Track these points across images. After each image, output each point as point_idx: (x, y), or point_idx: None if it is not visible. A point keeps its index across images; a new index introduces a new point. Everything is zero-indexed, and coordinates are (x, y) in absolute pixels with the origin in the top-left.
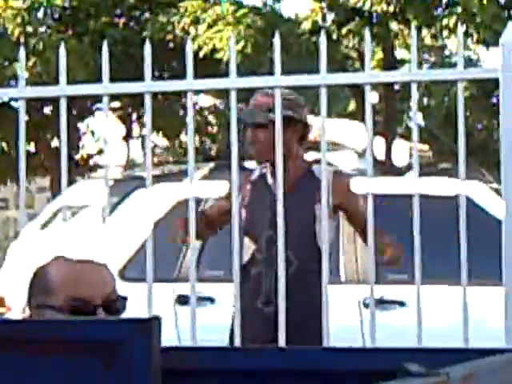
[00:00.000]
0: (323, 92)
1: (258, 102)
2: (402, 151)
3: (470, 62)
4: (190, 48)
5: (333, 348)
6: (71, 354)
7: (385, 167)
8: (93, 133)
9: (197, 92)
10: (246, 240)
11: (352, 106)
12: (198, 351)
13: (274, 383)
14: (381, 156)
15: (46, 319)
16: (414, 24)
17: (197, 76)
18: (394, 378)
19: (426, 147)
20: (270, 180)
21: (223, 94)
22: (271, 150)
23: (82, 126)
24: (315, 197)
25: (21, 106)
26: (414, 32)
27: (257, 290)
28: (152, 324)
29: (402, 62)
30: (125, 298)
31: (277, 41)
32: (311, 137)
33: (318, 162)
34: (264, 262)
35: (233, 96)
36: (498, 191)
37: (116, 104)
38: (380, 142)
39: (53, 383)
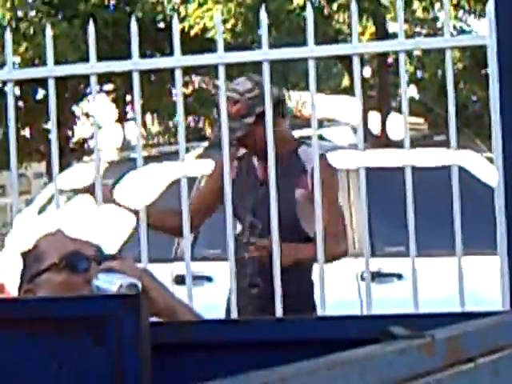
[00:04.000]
0: (311, 64)
1: (229, 112)
2: (397, 125)
3: (462, 34)
4: (176, 24)
5: (325, 316)
6: (60, 332)
7: (380, 141)
8: (87, 115)
9: (187, 70)
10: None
11: (346, 81)
12: (186, 325)
13: (267, 354)
14: (376, 130)
15: (33, 298)
16: None
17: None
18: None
19: (421, 120)
20: (255, 162)
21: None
22: (264, 144)
23: (76, 109)
24: (297, 181)
25: (9, 87)
26: (399, 2)
27: (243, 272)
28: (140, 299)
29: (395, 35)
30: (114, 257)
31: (263, 15)
32: (305, 113)
33: (309, 138)
34: (246, 247)
35: (221, 71)
36: (492, 160)
37: (109, 86)
38: (375, 117)
39: (42, 362)
